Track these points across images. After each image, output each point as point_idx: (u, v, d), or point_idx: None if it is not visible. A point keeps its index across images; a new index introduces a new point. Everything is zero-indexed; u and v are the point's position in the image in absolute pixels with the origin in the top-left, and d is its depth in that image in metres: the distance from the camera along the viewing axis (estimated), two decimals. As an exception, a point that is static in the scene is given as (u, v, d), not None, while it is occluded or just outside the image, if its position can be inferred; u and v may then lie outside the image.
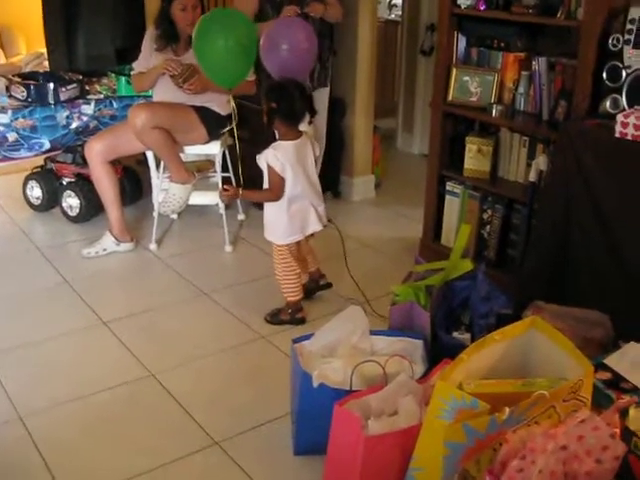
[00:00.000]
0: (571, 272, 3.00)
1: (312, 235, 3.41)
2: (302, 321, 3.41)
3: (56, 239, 4.40)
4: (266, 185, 3.23)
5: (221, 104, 4.08)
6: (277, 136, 3.27)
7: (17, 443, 2.60)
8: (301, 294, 3.43)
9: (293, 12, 3.95)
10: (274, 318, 3.42)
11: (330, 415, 2.18)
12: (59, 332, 3.33)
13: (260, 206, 4.52)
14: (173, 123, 3.96)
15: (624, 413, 2.00)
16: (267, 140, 3.31)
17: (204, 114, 4.07)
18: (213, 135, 4.14)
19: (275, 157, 3.14)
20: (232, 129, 3.72)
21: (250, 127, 4.29)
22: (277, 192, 3.20)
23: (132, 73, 4.24)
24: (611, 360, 2.40)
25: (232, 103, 3.73)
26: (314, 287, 3.62)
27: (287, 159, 3.15)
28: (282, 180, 3.17)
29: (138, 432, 2.67)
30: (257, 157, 3.19)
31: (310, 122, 3.30)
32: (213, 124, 4.10)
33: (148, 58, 4.11)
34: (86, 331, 3.36)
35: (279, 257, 3.34)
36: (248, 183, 3.61)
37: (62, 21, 5.10)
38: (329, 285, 3.63)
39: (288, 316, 3.41)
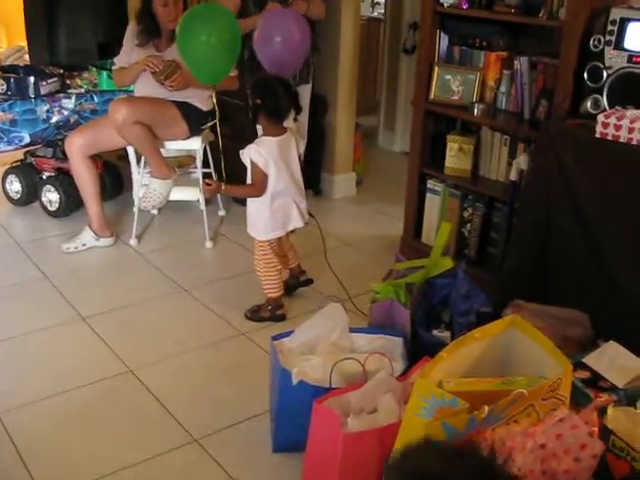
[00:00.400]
0: (551, 271, 3.02)
1: (293, 231, 3.41)
2: (282, 318, 3.41)
3: (35, 234, 4.36)
4: (249, 181, 3.22)
5: (202, 100, 4.06)
6: (261, 132, 3.26)
7: (-7, 439, 2.59)
8: (281, 290, 3.42)
9: (276, 9, 3.94)
10: (254, 315, 3.42)
11: (309, 412, 2.18)
12: (38, 327, 3.31)
13: (241, 202, 4.52)
14: (154, 118, 3.94)
15: (602, 412, 2.02)
16: (249, 136, 3.30)
17: (185, 109, 4.05)
18: (194, 131, 4.13)
19: (258, 153, 3.13)
20: (214, 125, 3.71)
21: (232, 123, 4.28)
22: (260, 188, 3.19)
23: (113, 68, 4.21)
24: (590, 359, 2.42)
25: (213, 99, 3.72)
26: (295, 283, 3.61)
27: (270, 155, 3.14)
28: (265, 176, 3.16)
29: (116, 428, 2.66)
30: (240, 152, 3.19)
31: (295, 119, 3.29)
32: (194, 120, 4.08)
33: (129, 53, 4.08)
34: (65, 326, 3.34)
35: (260, 253, 3.34)
36: (231, 179, 3.60)
37: (43, 14, 5.05)
38: (310, 281, 3.63)
39: (268, 313, 3.40)
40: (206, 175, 4.22)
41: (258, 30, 3.55)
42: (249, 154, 3.15)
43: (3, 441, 2.56)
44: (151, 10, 3.99)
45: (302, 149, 3.38)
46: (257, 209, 3.27)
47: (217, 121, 3.68)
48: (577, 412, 1.86)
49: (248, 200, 3.31)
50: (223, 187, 3.30)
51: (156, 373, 2.99)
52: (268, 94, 3.14)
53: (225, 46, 3.51)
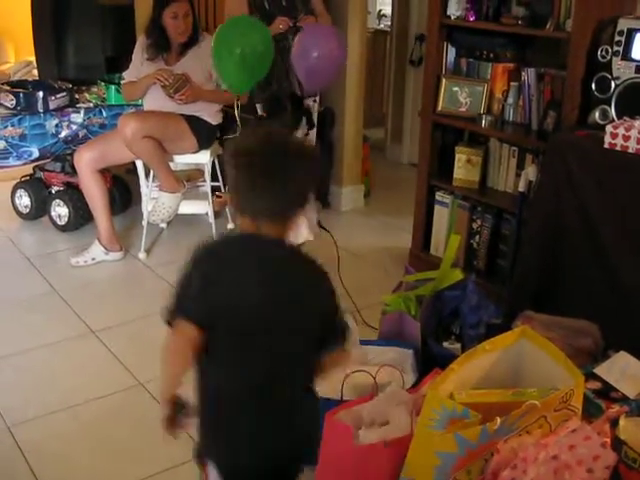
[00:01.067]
0: (560, 282, 3.01)
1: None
2: None
3: (45, 248, 4.38)
4: None
5: (211, 113, 4.08)
6: None
7: (5, 453, 2.59)
8: None
9: (285, 24, 3.95)
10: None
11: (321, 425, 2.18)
12: (48, 341, 3.32)
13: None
14: (163, 132, 3.96)
15: (614, 423, 2.01)
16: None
17: (194, 123, 4.06)
18: (203, 144, 4.14)
19: None
20: (223, 138, 3.73)
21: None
22: None
23: (122, 82, 4.24)
24: (601, 369, 2.41)
25: (236, 111, 3.73)
26: None
27: None
28: None
29: (127, 442, 2.66)
30: None
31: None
32: (203, 133, 4.10)
33: (139, 67, 4.10)
34: (75, 340, 3.35)
35: None
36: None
37: (51, 29, 5.08)
38: None
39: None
40: (215, 189, 4.23)
41: (296, 43, 3.57)
42: None
43: (15, 455, 2.57)
44: (160, 24, 4.01)
45: None
46: None
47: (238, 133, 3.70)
48: (589, 423, 1.85)
49: None
50: None
51: (166, 386, 2.99)
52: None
53: (257, 58, 3.54)
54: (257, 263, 1.78)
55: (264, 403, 1.77)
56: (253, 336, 1.75)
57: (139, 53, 4.13)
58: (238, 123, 3.72)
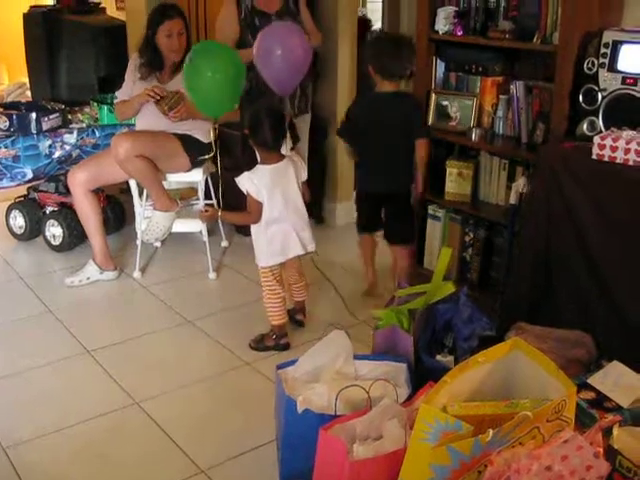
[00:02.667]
0: (553, 293, 3.03)
1: (300, 258, 3.42)
2: (286, 347, 3.41)
3: (39, 268, 4.39)
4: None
5: (204, 132, 4.10)
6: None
7: (0, 475, 2.58)
8: (285, 318, 3.43)
9: None
10: (258, 344, 3.42)
11: (315, 441, 2.18)
12: (43, 361, 3.32)
13: (243, 232, 4.55)
14: (156, 151, 3.97)
15: (608, 432, 2.02)
16: (249, 167, 3.33)
17: (186, 142, 4.08)
18: (195, 163, 4.16)
19: (250, 180, 3.19)
20: (215, 156, 3.74)
21: (231, 154, 4.30)
22: (255, 215, 3.23)
23: (115, 102, 4.25)
24: (594, 379, 2.42)
25: (212, 132, 3.76)
26: (287, 342, 3.48)
27: (263, 183, 3.19)
28: (259, 203, 3.20)
29: (123, 461, 2.65)
30: (237, 180, 3.24)
31: (292, 148, 3.31)
32: (195, 152, 4.12)
33: (131, 86, 4.12)
34: (70, 360, 3.35)
35: (263, 280, 3.36)
36: (232, 209, 3.61)
37: (44, 50, 5.12)
38: (301, 324, 3.60)
39: (272, 342, 3.41)
40: (208, 206, 4.24)
41: (257, 43, 3.56)
42: (242, 182, 3.20)
43: (10, 477, 2.56)
44: (154, 42, 4.03)
45: (304, 176, 3.39)
46: (255, 235, 3.32)
47: (216, 151, 3.71)
48: (582, 433, 1.85)
49: (251, 227, 3.34)
50: (219, 214, 3.35)
51: (162, 405, 2.99)
52: (255, 124, 3.19)
53: (229, 81, 3.54)
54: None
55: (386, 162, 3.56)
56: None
57: (132, 72, 4.15)
58: (213, 148, 3.74)
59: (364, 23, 5.91)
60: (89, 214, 4.11)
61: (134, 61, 4.16)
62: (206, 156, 4.11)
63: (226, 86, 3.51)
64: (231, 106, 3.71)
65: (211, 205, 4.32)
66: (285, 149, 3.31)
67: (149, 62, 4.09)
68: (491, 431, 1.77)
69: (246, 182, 3.19)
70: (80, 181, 4.05)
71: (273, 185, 3.21)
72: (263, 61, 3.53)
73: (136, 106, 4.09)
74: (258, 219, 3.24)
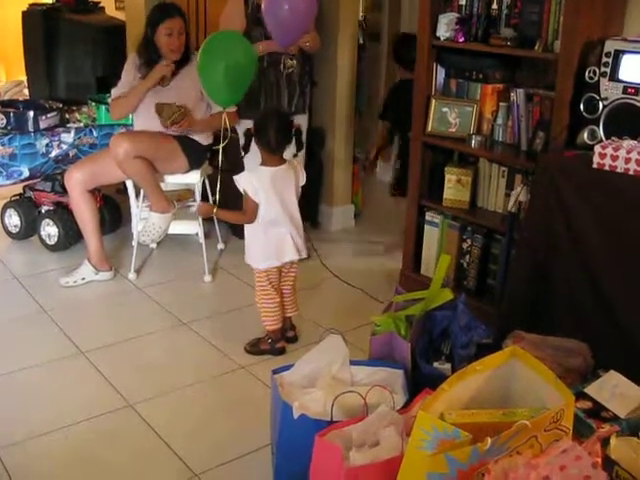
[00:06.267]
0: (551, 302, 3.02)
1: (294, 265, 3.41)
2: (282, 351, 3.40)
3: (34, 268, 4.36)
4: None
5: (202, 134, 4.08)
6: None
7: (-8, 476, 2.57)
8: (280, 323, 3.41)
9: (293, 47, 4.04)
10: (254, 348, 3.41)
11: (311, 446, 2.17)
12: (37, 362, 3.30)
13: (239, 235, 4.52)
14: (155, 152, 3.96)
15: (605, 442, 2.01)
16: (245, 151, 3.38)
17: (185, 143, 4.07)
18: (193, 164, 4.15)
19: (249, 180, 3.19)
20: (214, 157, 3.75)
21: (228, 156, 4.29)
22: (249, 215, 3.23)
23: (111, 99, 4.20)
24: (591, 389, 2.41)
25: (226, 120, 3.78)
26: (278, 337, 3.47)
27: (261, 184, 3.18)
28: (255, 204, 3.20)
29: (116, 463, 2.64)
30: (234, 179, 3.23)
31: (295, 155, 3.30)
32: (194, 153, 4.11)
33: (130, 84, 4.09)
34: (64, 361, 3.33)
35: (257, 284, 3.35)
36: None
37: (42, 49, 5.11)
38: (294, 339, 3.55)
39: (268, 346, 3.39)
40: (205, 202, 4.23)
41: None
42: (240, 181, 3.20)
43: (1, 478, 2.54)
44: (153, 41, 4.01)
45: (303, 182, 3.38)
46: (250, 236, 3.31)
47: (222, 144, 3.74)
48: (580, 443, 1.85)
49: (245, 227, 3.34)
50: (215, 210, 3.34)
51: (156, 407, 2.98)
52: (261, 125, 3.19)
53: (241, 70, 3.64)
54: None
55: None
56: None
57: (130, 71, 4.12)
58: (227, 132, 3.75)
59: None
60: (85, 215, 4.09)
61: (133, 61, 4.14)
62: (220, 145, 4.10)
63: (239, 76, 3.56)
64: (238, 98, 3.76)
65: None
66: (288, 154, 3.31)
67: (149, 62, 4.06)
68: (489, 439, 1.76)
69: (244, 181, 3.19)
70: (77, 181, 4.03)
71: (271, 187, 3.20)
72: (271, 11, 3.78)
73: (139, 94, 4.03)
74: (252, 219, 3.24)
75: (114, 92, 4.18)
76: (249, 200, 3.20)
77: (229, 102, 3.80)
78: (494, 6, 3.41)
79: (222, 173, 3.68)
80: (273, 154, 3.21)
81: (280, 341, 3.41)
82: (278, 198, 3.22)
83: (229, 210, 3.43)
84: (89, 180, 4.06)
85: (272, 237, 3.26)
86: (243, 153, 3.24)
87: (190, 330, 3.63)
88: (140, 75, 4.08)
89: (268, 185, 3.19)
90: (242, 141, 3.20)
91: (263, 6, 3.82)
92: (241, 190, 3.22)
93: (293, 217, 3.31)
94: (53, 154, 4.41)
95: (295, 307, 3.52)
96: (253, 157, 3.48)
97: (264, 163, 3.24)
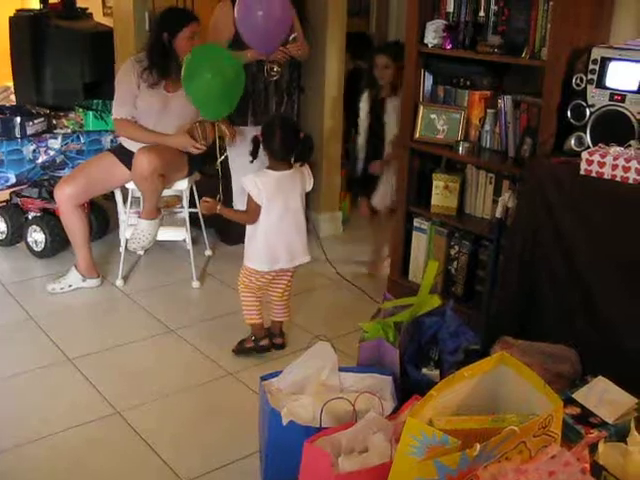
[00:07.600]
0: (538, 308, 3.02)
1: (284, 287, 3.42)
2: (266, 349, 3.42)
3: (21, 274, 4.34)
4: None
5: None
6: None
7: (-22, 484, 2.55)
8: (261, 319, 3.42)
9: (281, 54, 4.04)
10: (239, 347, 3.44)
11: (299, 453, 2.16)
12: (23, 369, 3.28)
13: (227, 241, 4.53)
14: (170, 166, 3.95)
15: (593, 448, 2.01)
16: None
17: (190, 153, 4.06)
18: (192, 171, 4.19)
19: (254, 183, 3.20)
20: (204, 163, 3.76)
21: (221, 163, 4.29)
22: (252, 215, 3.25)
23: (117, 118, 3.99)
24: (579, 395, 2.42)
25: (216, 130, 3.83)
26: (267, 345, 3.48)
27: (265, 188, 3.20)
28: (257, 206, 3.22)
29: (104, 471, 2.63)
30: (241, 180, 3.31)
31: (301, 165, 3.30)
32: (193, 162, 4.13)
33: (133, 100, 3.94)
34: (51, 368, 3.31)
35: (242, 277, 3.37)
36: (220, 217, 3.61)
37: (30, 55, 5.08)
38: (282, 347, 3.54)
39: (252, 343, 3.42)
40: (193, 214, 4.23)
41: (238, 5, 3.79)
42: (246, 183, 3.22)
43: (-12, 486, 2.53)
44: (171, 45, 3.88)
45: (309, 188, 3.39)
46: (249, 237, 3.33)
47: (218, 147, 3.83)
48: (568, 449, 1.85)
49: (246, 228, 3.36)
50: (218, 207, 3.35)
51: (143, 415, 2.96)
52: (268, 132, 3.21)
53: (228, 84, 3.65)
54: None
55: None
56: None
57: (131, 80, 3.93)
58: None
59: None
60: (77, 229, 4.04)
61: (132, 67, 3.93)
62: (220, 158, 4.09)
63: (226, 88, 3.56)
64: (229, 109, 3.77)
65: (195, 214, 4.30)
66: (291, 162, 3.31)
67: (161, 67, 3.90)
68: (478, 445, 1.76)
69: (249, 184, 3.21)
70: (68, 196, 3.95)
71: (276, 191, 3.22)
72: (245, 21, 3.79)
73: (153, 142, 3.96)
74: (254, 220, 3.26)
75: (117, 110, 3.97)
76: (252, 201, 3.23)
77: (220, 115, 3.82)
78: (481, 13, 3.42)
79: (224, 175, 3.73)
80: (279, 160, 3.23)
81: (264, 339, 3.42)
82: (282, 202, 3.24)
83: (232, 209, 3.45)
84: (81, 194, 4.00)
85: (269, 242, 3.27)
86: (251, 159, 3.24)
87: (178, 337, 3.62)
88: (146, 83, 3.91)
89: (273, 189, 3.21)
90: (250, 147, 3.21)
91: (237, 17, 3.78)
92: (247, 191, 3.25)
93: (296, 221, 3.31)
94: (40, 160, 4.40)
95: (285, 313, 3.51)
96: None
97: (271, 167, 3.26)
